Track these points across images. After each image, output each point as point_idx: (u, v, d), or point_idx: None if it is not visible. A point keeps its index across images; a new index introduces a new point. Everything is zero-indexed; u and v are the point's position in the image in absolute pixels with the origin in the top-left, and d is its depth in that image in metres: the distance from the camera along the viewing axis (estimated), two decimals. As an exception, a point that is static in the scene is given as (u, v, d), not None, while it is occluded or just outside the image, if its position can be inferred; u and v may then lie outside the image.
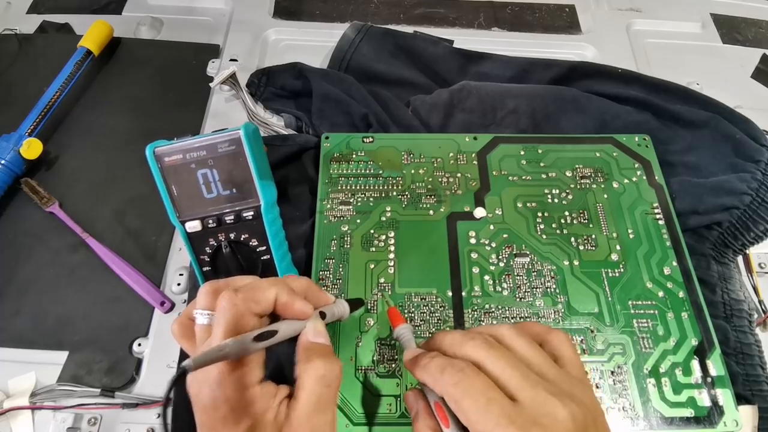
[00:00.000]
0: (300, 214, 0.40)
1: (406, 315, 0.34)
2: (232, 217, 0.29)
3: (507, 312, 0.35)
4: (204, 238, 0.30)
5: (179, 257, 0.39)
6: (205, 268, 0.31)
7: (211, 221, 0.29)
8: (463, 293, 0.35)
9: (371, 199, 0.39)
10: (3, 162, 0.41)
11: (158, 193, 0.29)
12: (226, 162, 0.28)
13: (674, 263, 0.36)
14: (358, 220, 0.38)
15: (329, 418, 0.24)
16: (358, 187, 0.39)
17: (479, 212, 0.38)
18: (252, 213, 0.29)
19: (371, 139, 0.42)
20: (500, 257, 0.37)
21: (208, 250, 0.30)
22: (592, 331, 0.34)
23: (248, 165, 0.28)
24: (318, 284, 0.35)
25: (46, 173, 0.43)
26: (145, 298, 0.37)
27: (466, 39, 0.53)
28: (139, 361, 0.35)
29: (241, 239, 0.30)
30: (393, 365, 0.33)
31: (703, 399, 0.32)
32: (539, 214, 0.38)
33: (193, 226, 0.29)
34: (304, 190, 0.41)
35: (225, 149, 0.28)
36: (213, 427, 0.22)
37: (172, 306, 0.37)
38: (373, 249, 0.37)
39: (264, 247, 0.30)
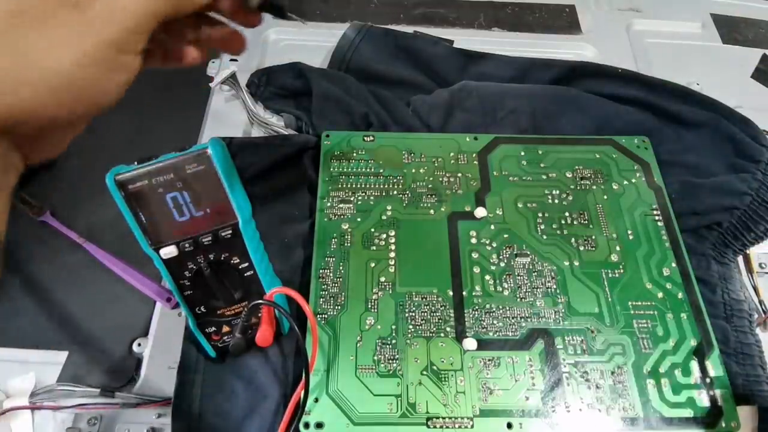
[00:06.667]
0: (299, 213, 0.40)
1: (406, 314, 0.34)
2: (209, 237, 0.28)
3: (508, 312, 0.35)
4: (182, 262, 0.28)
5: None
6: (186, 293, 0.30)
7: (187, 245, 0.28)
8: (464, 293, 0.35)
9: (372, 197, 0.39)
10: (3, 161, 0.41)
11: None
12: (196, 182, 0.26)
13: (673, 264, 0.36)
14: (359, 219, 0.38)
15: None
16: (358, 186, 0.39)
17: (480, 212, 0.38)
18: (230, 231, 0.28)
19: (372, 138, 0.42)
20: (501, 257, 0.37)
21: (187, 274, 0.29)
22: (592, 332, 0.34)
23: (221, 183, 0.27)
24: (319, 282, 0.35)
25: (45, 174, 0.43)
26: (151, 296, 0.37)
27: (466, 39, 0.52)
28: (139, 361, 0.35)
29: (222, 258, 0.29)
30: (393, 365, 0.32)
31: (703, 399, 0.32)
32: (539, 215, 0.39)
33: (169, 251, 0.28)
34: (304, 189, 0.41)
35: (194, 169, 0.26)
36: None
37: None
38: (374, 248, 0.37)
39: (246, 264, 0.30)
